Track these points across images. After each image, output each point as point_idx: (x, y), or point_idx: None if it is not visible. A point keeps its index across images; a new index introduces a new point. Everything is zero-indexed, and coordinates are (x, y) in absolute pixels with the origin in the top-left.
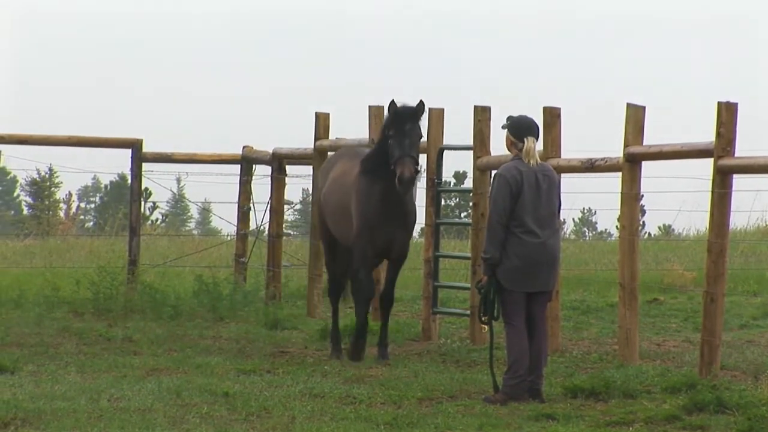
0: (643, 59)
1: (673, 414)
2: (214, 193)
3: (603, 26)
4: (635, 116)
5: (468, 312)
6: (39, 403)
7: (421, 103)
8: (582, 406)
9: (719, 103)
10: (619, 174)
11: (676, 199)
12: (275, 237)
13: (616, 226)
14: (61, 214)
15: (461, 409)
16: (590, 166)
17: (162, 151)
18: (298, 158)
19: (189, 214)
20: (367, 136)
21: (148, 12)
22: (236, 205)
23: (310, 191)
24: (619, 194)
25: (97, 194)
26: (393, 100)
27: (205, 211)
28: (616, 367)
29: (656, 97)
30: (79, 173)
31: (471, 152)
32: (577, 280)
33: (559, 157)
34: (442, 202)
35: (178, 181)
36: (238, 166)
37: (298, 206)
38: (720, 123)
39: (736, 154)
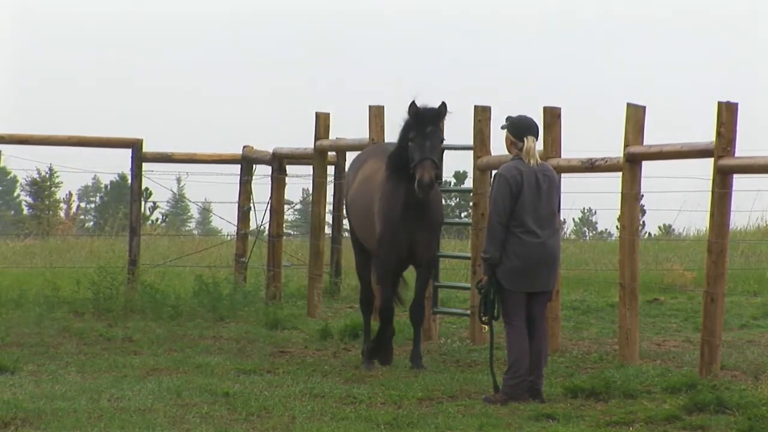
0: (643, 59)
1: (674, 414)
2: (214, 193)
3: (603, 26)
4: (635, 116)
5: (468, 312)
6: (39, 403)
7: (443, 105)
8: (582, 406)
9: (719, 103)
10: (619, 174)
11: (676, 199)
12: (275, 237)
13: (617, 226)
14: (62, 214)
15: (461, 409)
16: (590, 166)
17: (162, 151)
18: (298, 158)
19: (189, 214)
20: (367, 136)
21: (147, 12)
22: (236, 205)
23: (311, 191)
24: (619, 194)
25: (97, 194)
26: (413, 101)
27: (206, 211)
28: (616, 367)
29: (656, 97)
30: (79, 173)
31: (471, 152)
32: (577, 280)
33: (559, 157)
34: (443, 202)
35: (178, 181)
36: (239, 166)
37: (298, 206)
38: (720, 123)
39: (736, 154)
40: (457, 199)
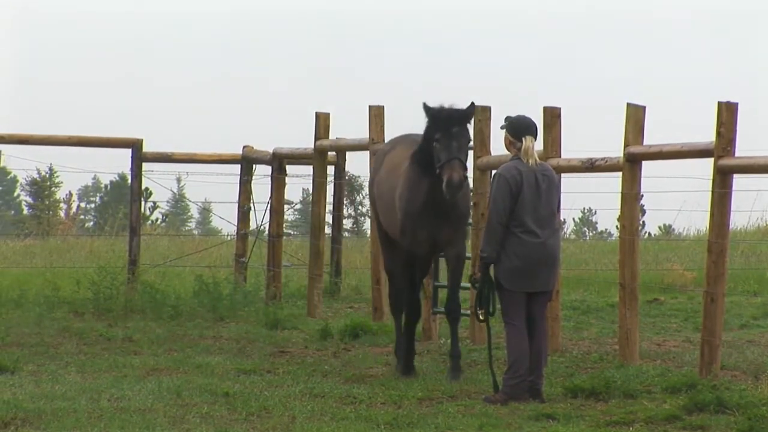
0: (643, 59)
1: (674, 414)
2: (215, 192)
3: (603, 26)
4: (635, 116)
5: (468, 312)
6: (39, 403)
7: (472, 106)
8: (582, 406)
9: (719, 103)
10: (619, 174)
11: (676, 199)
12: (275, 237)
13: (616, 226)
14: (62, 214)
15: (461, 409)
16: (590, 166)
17: (162, 151)
18: (298, 158)
19: (189, 214)
20: (368, 136)
21: (147, 12)
22: (236, 204)
23: (311, 191)
24: (619, 194)
25: (98, 194)
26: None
27: (206, 210)
28: (616, 367)
29: (656, 97)
30: (79, 173)
31: (471, 152)
32: (577, 280)
33: (559, 157)
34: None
35: (179, 180)
36: (239, 165)
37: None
38: (720, 123)
39: (736, 154)
40: None
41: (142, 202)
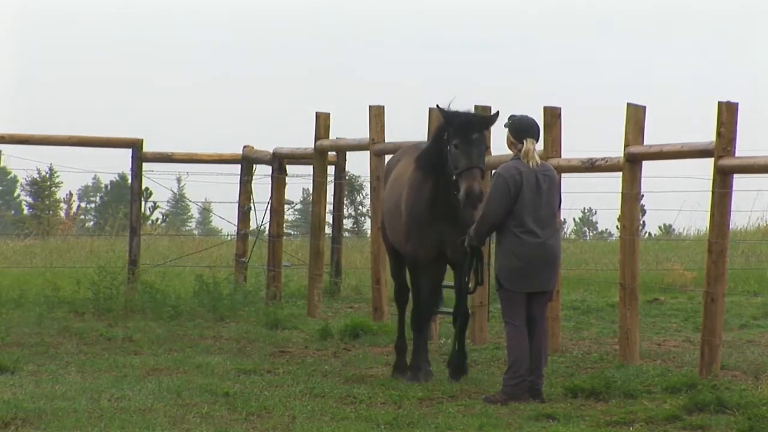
0: (643, 59)
1: (674, 414)
2: (215, 192)
3: (603, 26)
4: (635, 116)
5: (468, 312)
6: (39, 403)
7: (496, 115)
8: (582, 406)
9: (719, 103)
10: (620, 174)
11: (676, 199)
12: (275, 237)
13: (617, 226)
14: (62, 213)
15: (461, 409)
16: (590, 166)
17: (162, 151)
18: (298, 158)
19: (189, 214)
20: (368, 136)
21: (148, 11)
22: (236, 204)
23: (311, 191)
24: (620, 194)
25: (98, 194)
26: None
27: (206, 210)
28: (616, 367)
29: (656, 97)
30: (79, 173)
31: None
32: (577, 280)
33: (559, 157)
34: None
35: (179, 180)
36: (239, 165)
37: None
38: (720, 123)
39: (736, 154)
40: None
41: (142, 202)
